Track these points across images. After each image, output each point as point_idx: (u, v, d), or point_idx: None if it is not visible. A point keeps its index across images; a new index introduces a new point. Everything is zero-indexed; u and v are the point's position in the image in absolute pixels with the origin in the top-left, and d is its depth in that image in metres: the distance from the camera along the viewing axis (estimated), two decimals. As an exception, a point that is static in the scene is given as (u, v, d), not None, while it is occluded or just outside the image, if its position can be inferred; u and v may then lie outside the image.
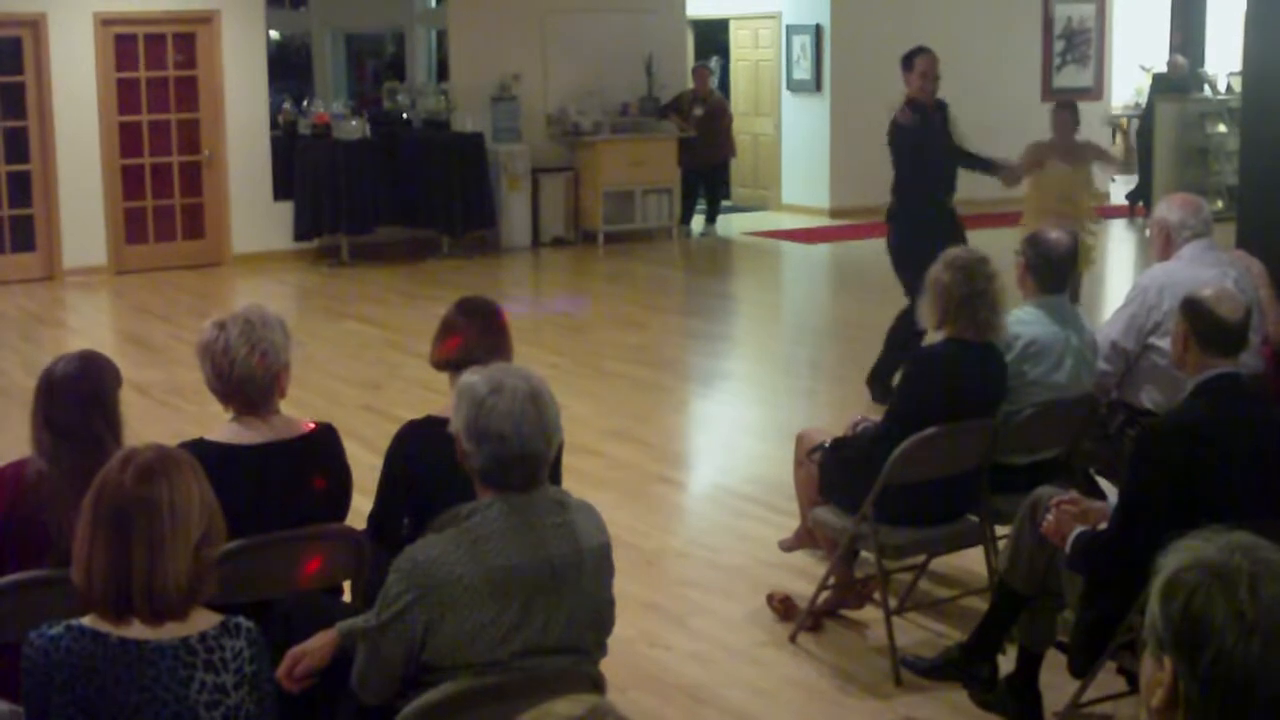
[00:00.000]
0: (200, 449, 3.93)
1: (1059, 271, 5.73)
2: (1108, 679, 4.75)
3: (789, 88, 18.38)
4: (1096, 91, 19.42)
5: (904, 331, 9.08)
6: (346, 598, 4.45)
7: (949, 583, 6.29)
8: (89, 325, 12.99)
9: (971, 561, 6.10)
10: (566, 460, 4.63)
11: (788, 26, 18.25)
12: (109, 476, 3.04)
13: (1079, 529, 4.51)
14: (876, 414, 5.78)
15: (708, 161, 16.92)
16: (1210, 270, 5.88)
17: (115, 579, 2.98)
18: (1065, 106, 10.60)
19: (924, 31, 17.66)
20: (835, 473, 5.72)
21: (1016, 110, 18.49)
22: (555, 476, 4.24)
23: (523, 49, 16.19)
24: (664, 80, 16.87)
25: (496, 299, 4.88)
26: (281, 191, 15.17)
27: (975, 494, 5.60)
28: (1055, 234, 5.74)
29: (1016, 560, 4.85)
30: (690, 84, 17.10)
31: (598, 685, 3.49)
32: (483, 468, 3.48)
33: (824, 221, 17.26)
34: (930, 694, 5.24)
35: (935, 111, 9.42)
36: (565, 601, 3.48)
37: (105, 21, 14.33)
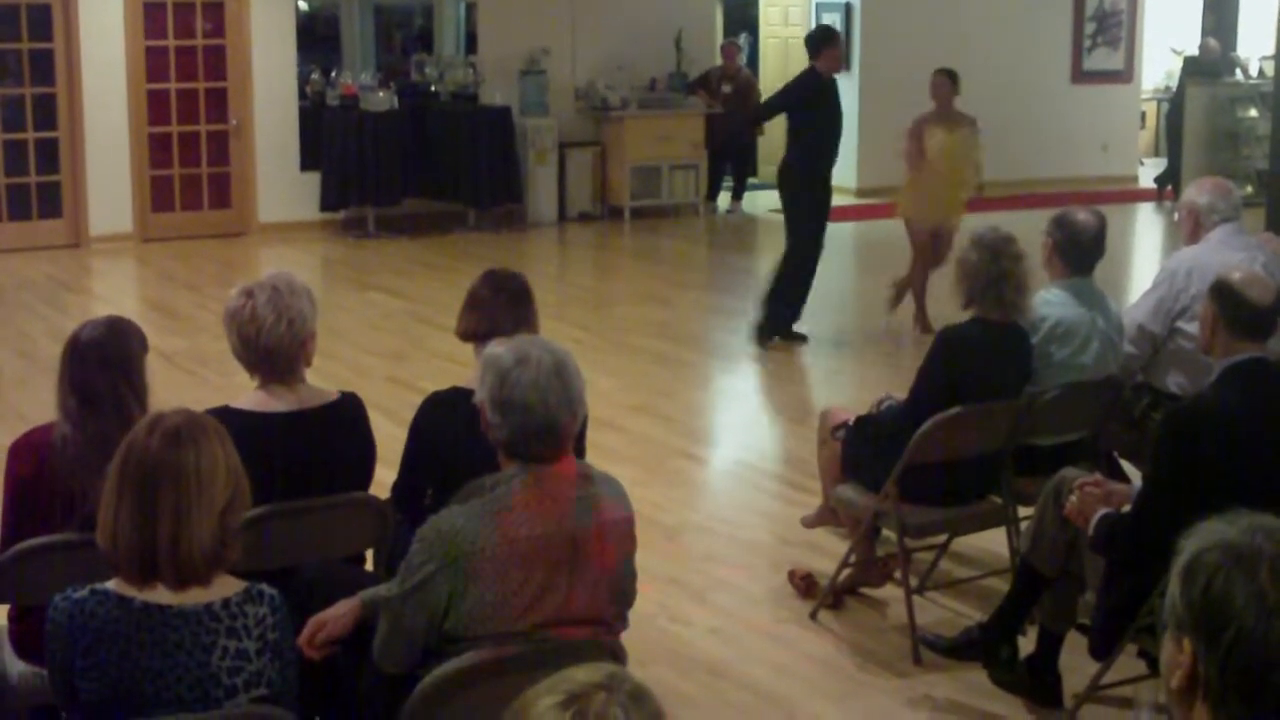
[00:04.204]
0: (226, 416, 3.92)
1: (1086, 253, 5.71)
2: (1128, 662, 4.74)
3: (818, 66, 18.31)
4: (1127, 74, 19.31)
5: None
6: (369, 567, 4.47)
7: (970, 563, 6.29)
8: (115, 292, 13.02)
9: (993, 542, 6.09)
10: (589, 434, 4.63)
11: (818, 4, 18.17)
12: (136, 440, 3.05)
13: (1102, 511, 4.50)
14: (901, 392, 5.77)
15: (735, 138, 16.88)
16: (1239, 254, 5.85)
17: (140, 543, 2.99)
18: (943, 72, 10.64)
19: (953, 12, 17.69)
20: (858, 451, 5.72)
21: (1046, 93, 18.44)
22: (580, 450, 4.25)
23: (552, 23, 16.14)
24: (693, 56, 16.82)
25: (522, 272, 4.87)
26: (308, 162, 15.16)
27: (998, 475, 5.60)
28: (1083, 215, 5.72)
29: (1039, 541, 4.85)
30: (719, 60, 17.04)
31: (617, 657, 3.49)
32: (507, 439, 3.49)
33: (850, 200, 17.20)
34: (950, 673, 5.25)
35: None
36: (587, 574, 3.48)
37: (135, -11, 14.35)
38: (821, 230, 10.43)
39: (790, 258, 10.42)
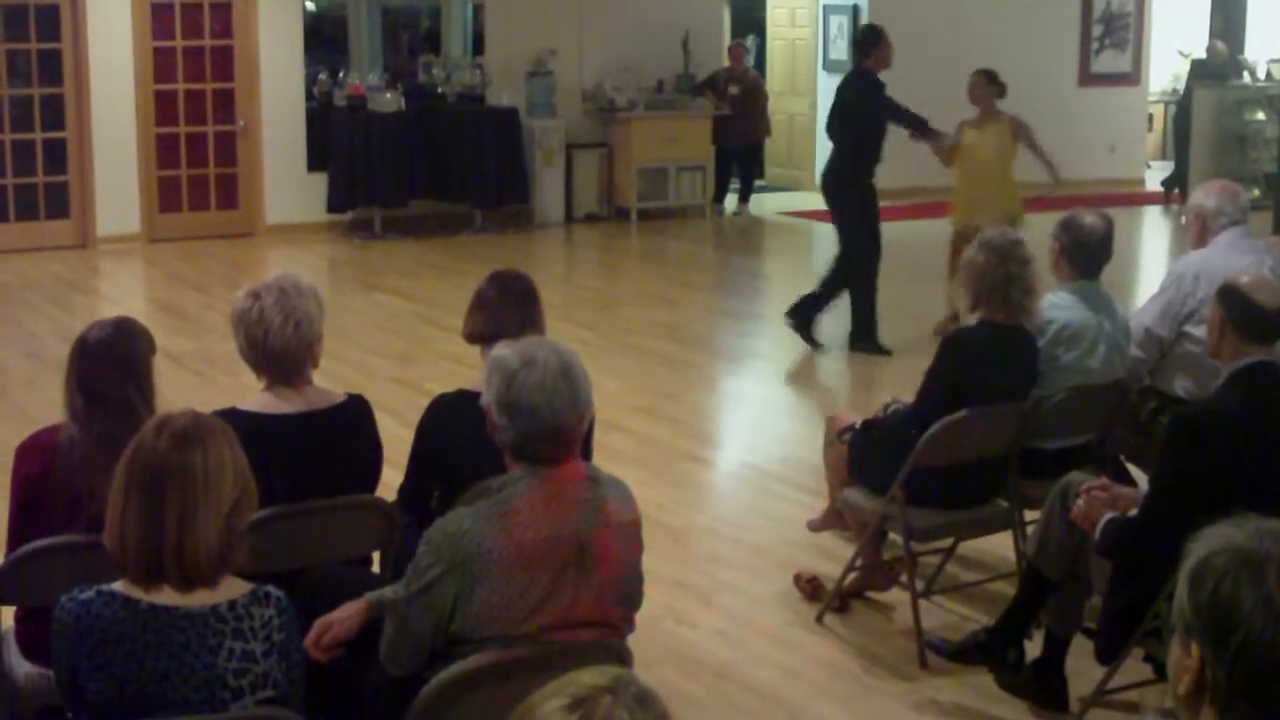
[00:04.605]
0: (233, 418, 3.92)
1: (1094, 256, 5.70)
2: (1134, 666, 4.74)
3: (825, 67, 18.30)
4: (1134, 77, 19.29)
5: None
6: (375, 569, 4.47)
7: (976, 566, 6.29)
8: (122, 293, 13.04)
9: (999, 546, 6.08)
10: (595, 436, 4.63)
11: (825, 6, 18.17)
12: (143, 441, 3.05)
13: (1109, 515, 4.50)
14: (908, 396, 5.77)
15: (742, 140, 16.87)
16: (1247, 257, 5.85)
17: (147, 544, 2.99)
18: (979, 73, 10.57)
19: (960, 13, 17.67)
20: (865, 454, 5.72)
21: (1053, 95, 18.40)
22: (586, 452, 4.24)
23: (559, 24, 16.15)
24: (700, 58, 16.81)
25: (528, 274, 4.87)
26: (315, 163, 15.17)
27: (1005, 478, 5.59)
28: (1091, 218, 5.71)
29: (1045, 545, 4.85)
30: (726, 62, 17.04)
31: (624, 660, 3.49)
32: (514, 441, 3.49)
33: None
34: (956, 677, 5.24)
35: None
36: (593, 576, 3.48)
37: (143, -10, 14.37)
38: (876, 237, 10.31)
39: (848, 262, 10.31)
